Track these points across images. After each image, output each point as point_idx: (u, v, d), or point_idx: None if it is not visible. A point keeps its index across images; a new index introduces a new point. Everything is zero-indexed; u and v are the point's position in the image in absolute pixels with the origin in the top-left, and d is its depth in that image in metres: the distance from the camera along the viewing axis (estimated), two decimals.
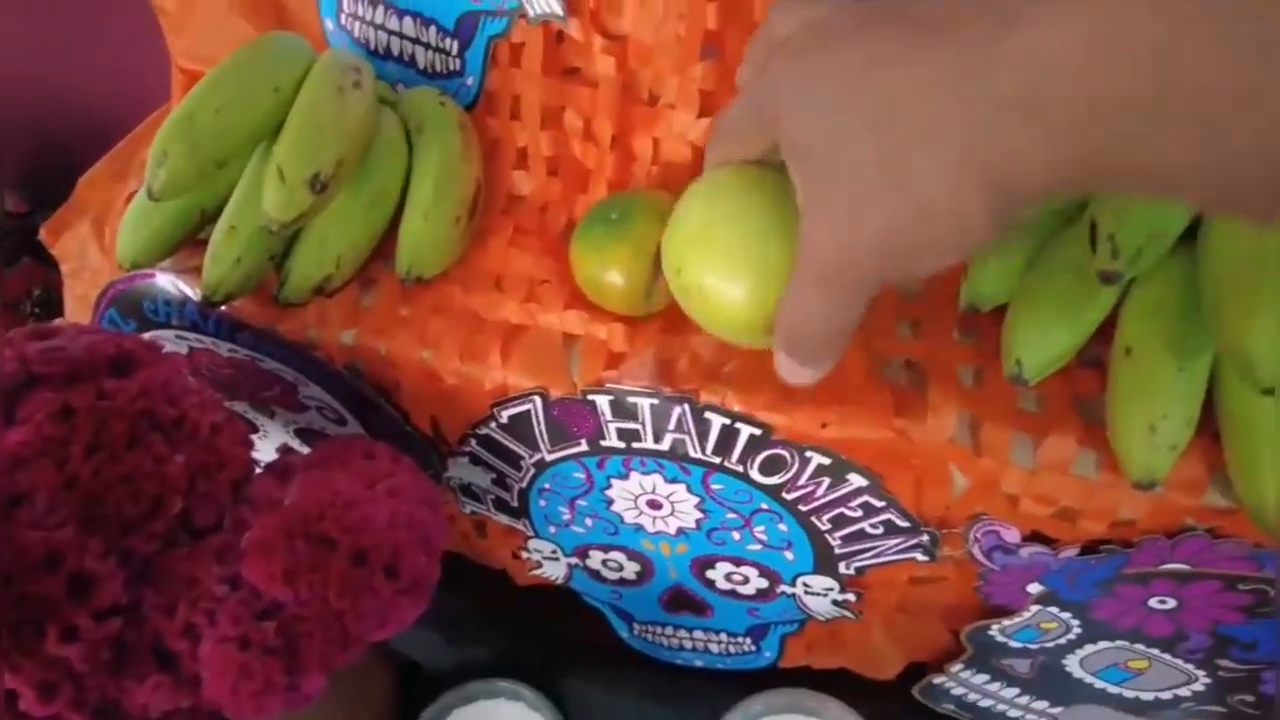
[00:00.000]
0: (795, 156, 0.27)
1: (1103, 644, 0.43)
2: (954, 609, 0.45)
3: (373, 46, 0.46)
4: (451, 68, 0.44)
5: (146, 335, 0.47)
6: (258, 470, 0.41)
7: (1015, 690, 0.49)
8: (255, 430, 0.54)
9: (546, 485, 0.44)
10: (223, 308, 0.43)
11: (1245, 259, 0.29)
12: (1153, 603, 0.39)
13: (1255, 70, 0.18)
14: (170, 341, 0.47)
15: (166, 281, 0.44)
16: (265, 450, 0.56)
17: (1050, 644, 0.44)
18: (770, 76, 0.28)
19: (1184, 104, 0.19)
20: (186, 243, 0.43)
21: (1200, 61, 0.19)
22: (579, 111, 0.41)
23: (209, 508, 0.37)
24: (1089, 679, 0.46)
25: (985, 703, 0.50)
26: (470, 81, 0.44)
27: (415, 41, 0.45)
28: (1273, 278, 0.28)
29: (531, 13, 0.40)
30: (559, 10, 0.39)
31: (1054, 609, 0.42)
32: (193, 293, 0.43)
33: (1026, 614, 0.42)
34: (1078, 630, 0.43)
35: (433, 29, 0.43)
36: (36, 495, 0.33)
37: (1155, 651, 0.43)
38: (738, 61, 0.37)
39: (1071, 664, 0.45)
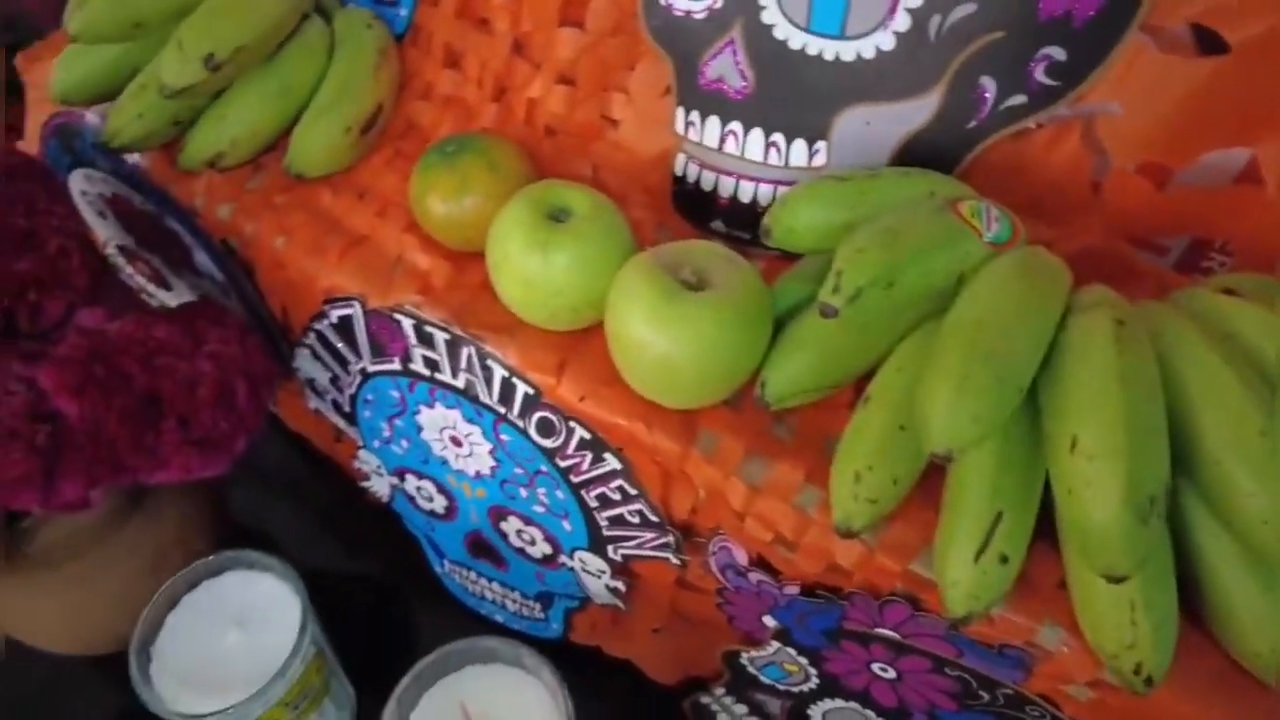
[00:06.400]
0: None
1: (839, 701, 0.43)
2: (717, 628, 0.46)
3: None
4: None
5: (77, 172, 0.51)
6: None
7: None
8: (166, 286, 0.58)
9: (369, 396, 0.47)
10: (137, 160, 0.47)
11: (959, 325, 0.29)
12: (875, 667, 0.39)
13: None
14: (95, 181, 0.51)
15: (95, 124, 0.48)
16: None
17: (795, 689, 0.44)
18: None
19: None
20: (119, 92, 0.47)
21: None
22: (477, 58, 0.44)
23: (37, 317, 0.41)
24: None
25: None
26: (404, 12, 0.47)
27: None
28: (953, 343, 0.28)
29: None
30: None
31: (791, 650, 0.42)
32: None
33: (770, 648, 0.42)
34: (816, 680, 0.43)
35: None
36: None
37: None
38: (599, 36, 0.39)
39: (815, 716, 0.45)
